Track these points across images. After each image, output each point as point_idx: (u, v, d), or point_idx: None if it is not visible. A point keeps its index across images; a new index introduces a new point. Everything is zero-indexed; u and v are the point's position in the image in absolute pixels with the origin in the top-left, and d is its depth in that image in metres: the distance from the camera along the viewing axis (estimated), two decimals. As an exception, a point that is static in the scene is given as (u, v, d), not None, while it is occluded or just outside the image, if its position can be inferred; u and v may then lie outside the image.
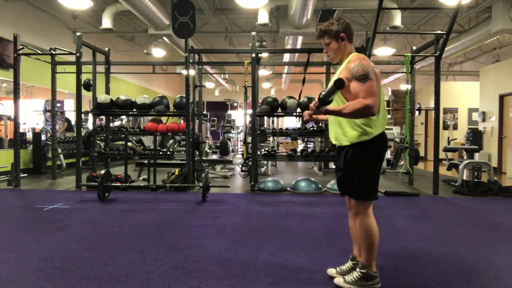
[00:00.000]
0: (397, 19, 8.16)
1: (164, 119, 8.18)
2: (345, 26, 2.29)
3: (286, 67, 13.98)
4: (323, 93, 2.12)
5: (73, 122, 9.51)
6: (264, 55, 11.94)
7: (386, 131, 2.30)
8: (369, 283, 2.26)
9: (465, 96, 12.69)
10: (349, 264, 2.46)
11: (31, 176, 7.52)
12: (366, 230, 2.24)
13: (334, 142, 2.36)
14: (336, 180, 2.41)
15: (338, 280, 2.37)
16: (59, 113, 8.80)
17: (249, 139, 6.43)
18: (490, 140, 9.94)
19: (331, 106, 2.17)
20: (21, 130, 7.27)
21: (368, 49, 5.84)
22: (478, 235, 3.61)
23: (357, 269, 2.32)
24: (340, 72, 2.25)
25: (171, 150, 7.12)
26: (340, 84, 2.07)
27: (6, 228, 3.68)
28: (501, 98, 9.66)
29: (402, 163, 8.13)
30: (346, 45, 2.30)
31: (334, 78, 2.25)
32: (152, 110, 6.33)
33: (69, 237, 3.35)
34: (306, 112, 2.30)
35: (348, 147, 2.25)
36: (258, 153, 6.56)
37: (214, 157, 9.14)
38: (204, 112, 10.96)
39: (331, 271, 2.52)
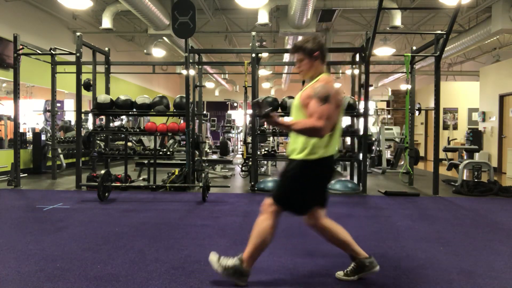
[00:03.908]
0: (397, 19, 8.15)
1: (164, 119, 8.18)
2: (320, 45, 2.30)
3: (286, 67, 13.97)
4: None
5: (72, 122, 9.51)
6: (264, 55, 11.93)
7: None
8: (238, 278, 2.31)
9: (465, 96, 12.68)
10: (352, 265, 2.44)
11: (31, 176, 7.52)
12: (261, 232, 2.30)
13: (287, 153, 2.36)
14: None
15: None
16: (59, 113, 8.80)
17: (249, 139, 6.43)
18: (490, 140, 9.94)
19: (284, 119, 2.20)
20: (21, 130, 7.27)
21: (368, 49, 5.84)
22: (478, 235, 3.62)
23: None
24: (305, 89, 2.26)
25: (171, 150, 7.11)
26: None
27: (6, 228, 3.68)
28: (501, 98, 9.66)
29: (402, 163, 8.12)
30: (318, 64, 2.31)
31: (299, 93, 2.29)
32: (152, 110, 6.33)
33: (69, 237, 3.35)
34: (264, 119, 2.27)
35: (295, 161, 2.26)
36: (258, 153, 6.56)
37: (214, 157, 9.14)
38: (204, 112, 10.96)
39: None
